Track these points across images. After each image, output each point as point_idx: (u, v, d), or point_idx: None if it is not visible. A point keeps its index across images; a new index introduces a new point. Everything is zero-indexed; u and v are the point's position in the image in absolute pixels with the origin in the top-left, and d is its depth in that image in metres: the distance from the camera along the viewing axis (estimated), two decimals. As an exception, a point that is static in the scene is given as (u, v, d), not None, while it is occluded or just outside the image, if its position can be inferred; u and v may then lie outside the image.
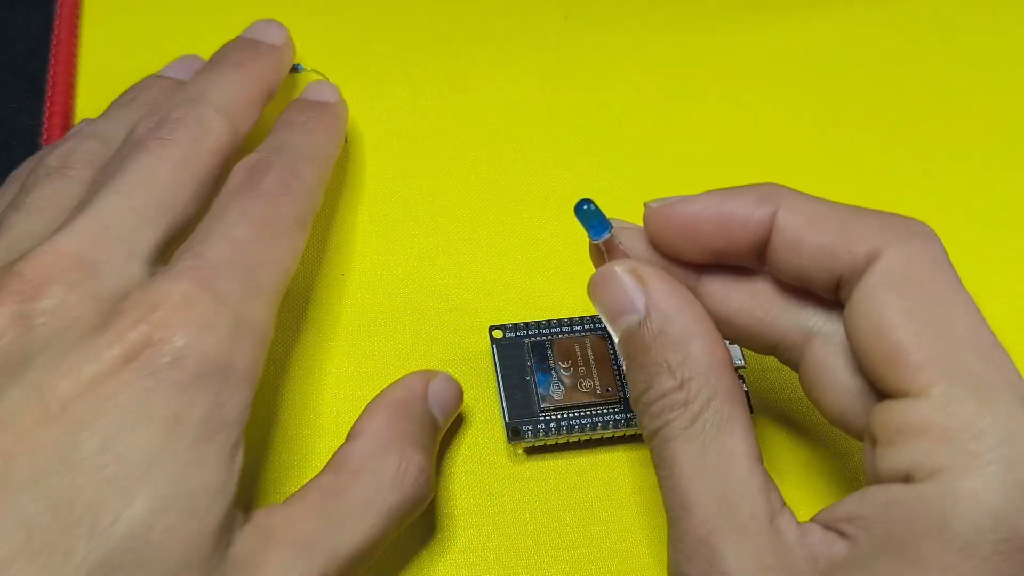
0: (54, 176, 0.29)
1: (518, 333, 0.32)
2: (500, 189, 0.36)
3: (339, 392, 0.32)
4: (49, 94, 0.36)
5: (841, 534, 0.23)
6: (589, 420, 0.30)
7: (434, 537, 0.30)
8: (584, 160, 0.37)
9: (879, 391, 0.24)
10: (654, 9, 0.41)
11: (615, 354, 0.31)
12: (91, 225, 0.26)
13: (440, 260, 0.35)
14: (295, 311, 0.33)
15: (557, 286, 0.34)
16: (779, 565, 0.23)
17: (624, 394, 0.31)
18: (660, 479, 0.25)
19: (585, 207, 0.27)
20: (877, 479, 0.23)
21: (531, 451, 0.31)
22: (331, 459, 0.27)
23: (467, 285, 0.34)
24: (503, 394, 0.31)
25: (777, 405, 0.33)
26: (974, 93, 0.40)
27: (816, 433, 0.32)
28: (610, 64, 0.39)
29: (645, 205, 0.27)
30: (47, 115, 0.36)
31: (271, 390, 0.32)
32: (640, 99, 0.39)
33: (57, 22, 0.38)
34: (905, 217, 0.25)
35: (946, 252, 0.24)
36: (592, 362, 0.31)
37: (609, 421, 0.30)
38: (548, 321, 0.32)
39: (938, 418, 0.22)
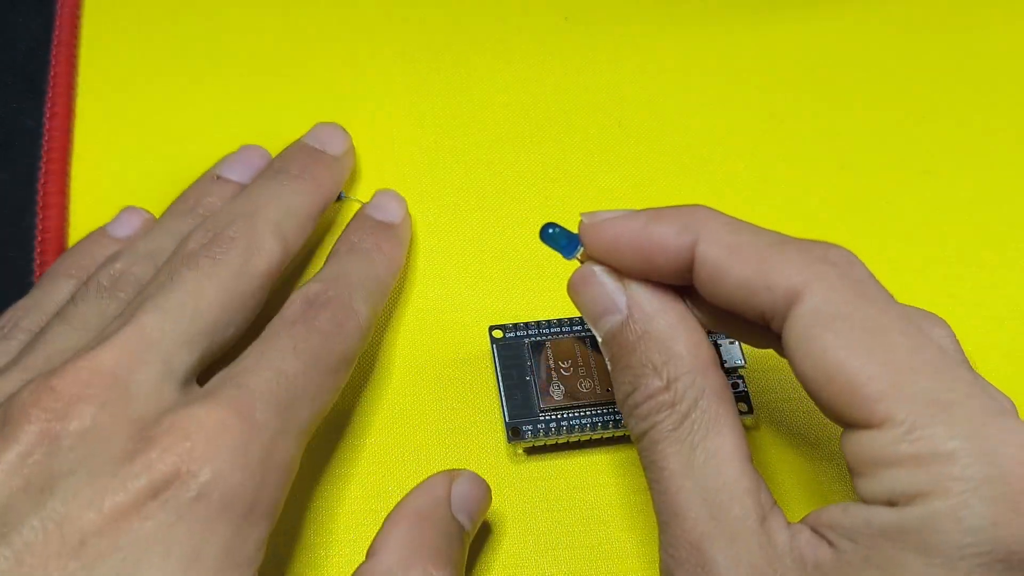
0: (104, 295, 0.29)
1: (518, 333, 0.32)
2: (500, 189, 0.36)
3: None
4: (49, 94, 0.36)
5: (828, 541, 0.23)
6: (589, 420, 0.30)
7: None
8: (584, 160, 0.37)
9: (844, 424, 0.23)
10: (654, 9, 0.41)
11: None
12: (130, 342, 0.25)
13: (441, 260, 0.35)
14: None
15: (558, 286, 0.34)
16: (769, 568, 0.23)
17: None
18: (649, 482, 0.25)
19: (550, 231, 0.27)
20: (862, 500, 0.23)
21: (531, 451, 0.31)
22: None
23: (468, 285, 0.34)
24: (503, 394, 0.31)
25: (777, 405, 0.33)
26: (974, 92, 0.40)
27: (816, 433, 0.32)
28: (610, 64, 0.39)
29: (580, 216, 0.27)
30: (47, 115, 0.36)
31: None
32: (640, 99, 0.39)
33: (57, 22, 0.38)
34: (823, 246, 0.24)
35: (868, 272, 0.24)
36: (592, 362, 0.31)
37: (609, 421, 0.30)
38: (548, 321, 0.32)
39: (906, 447, 0.22)
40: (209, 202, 0.32)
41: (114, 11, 0.39)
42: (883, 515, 0.22)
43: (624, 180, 0.37)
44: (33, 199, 0.34)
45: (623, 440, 0.31)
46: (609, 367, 0.26)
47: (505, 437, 0.31)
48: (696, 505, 0.23)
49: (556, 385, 0.31)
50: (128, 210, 0.33)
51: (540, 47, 0.40)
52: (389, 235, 0.33)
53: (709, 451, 0.24)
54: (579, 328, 0.32)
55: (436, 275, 0.34)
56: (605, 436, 0.31)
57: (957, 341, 0.26)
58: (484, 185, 0.36)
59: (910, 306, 0.25)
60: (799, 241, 0.25)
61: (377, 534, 0.27)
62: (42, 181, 0.34)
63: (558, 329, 0.32)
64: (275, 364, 0.26)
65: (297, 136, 0.37)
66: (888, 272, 0.35)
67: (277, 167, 0.32)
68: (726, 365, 0.31)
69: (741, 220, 0.26)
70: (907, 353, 0.23)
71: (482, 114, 0.38)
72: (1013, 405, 0.23)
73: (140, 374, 0.25)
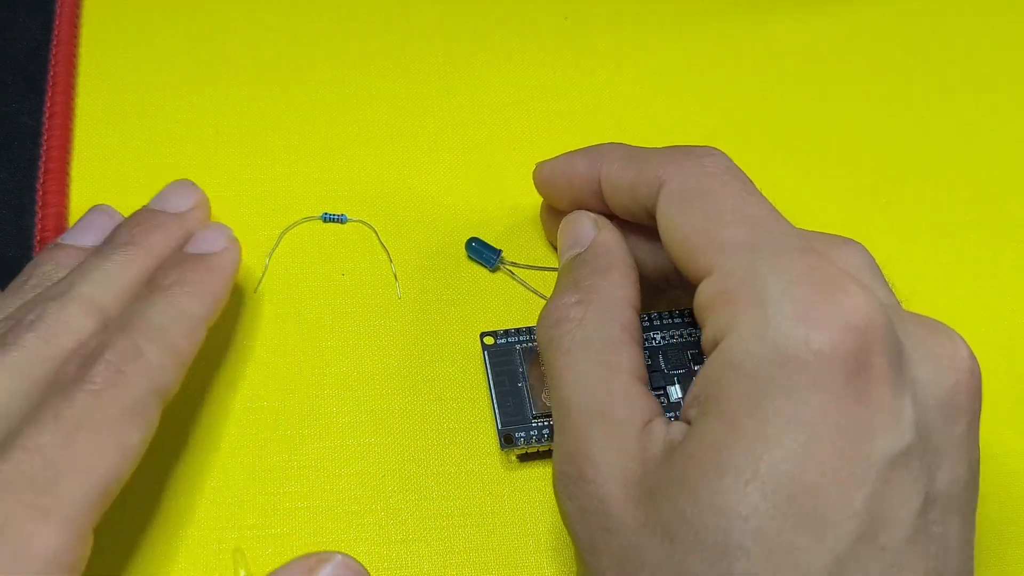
0: None
1: (509, 339, 0.32)
2: (500, 190, 0.36)
3: (325, 392, 0.32)
4: (49, 94, 0.36)
5: (687, 420, 0.25)
6: None
7: (432, 540, 0.30)
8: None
9: (694, 282, 0.26)
10: (654, 9, 0.41)
11: None
12: None
13: (437, 262, 0.35)
14: (296, 309, 0.33)
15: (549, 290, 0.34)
16: (640, 458, 0.24)
17: None
18: (549, 390, 0.27)
19: (473, 244, 0.33)
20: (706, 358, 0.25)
21: (524, 457, 0.31)
22: None
23: (460, 289, 0.34)
24: (495, 401, 0.31)
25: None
26: (974, 92, 0.40)
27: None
28: (610, 64, 0.39)
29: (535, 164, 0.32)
30: (47, 115, 0.36)
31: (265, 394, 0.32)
32: (640, 99, 0.39)
33: (57, 22, 0.38)
34: (692, 147, 0.29)
35: (727, 161, 0.28)
36: None
37: None
38: None
39: (721, 285, 0.25)
40: (44, 270, 0.29)
41: (114, 11, 0.39)
42: (712, 360, 0.24)
43: (624, 180, 0.37)
44: (33, 199, 0.34)
45: None
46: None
47: (498, 444, 0.30)
48: (588, 408, 0.25)
49: (548, 391, 0.30)
50: (94, 211, 0.32)
51: (540, 47, 0.40)
52: (200, 265, 0.29)
53: (606, 364, 0.26)
54: None
55: (430, 279, 0.34)
56: None
57: (863, 257, 0.28)
58: (484, 185, 0.36)
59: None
60: (675, 148, 0.29)
61: None
62: (41, 181, 0.34)
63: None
64: (28, 440, 0.24)
65: (298, 130, 0.37)
66: (888, 271, 0.35)
67: (108, 238, 0.30)
68: None
69: (640, 148, 0.30)
70: (732, 214, 0.26)
71: (482, 113, 0.38)
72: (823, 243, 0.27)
73: None
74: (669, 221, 0.27)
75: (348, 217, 0.35)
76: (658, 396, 0.30)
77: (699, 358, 0.31)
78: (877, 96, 0.40)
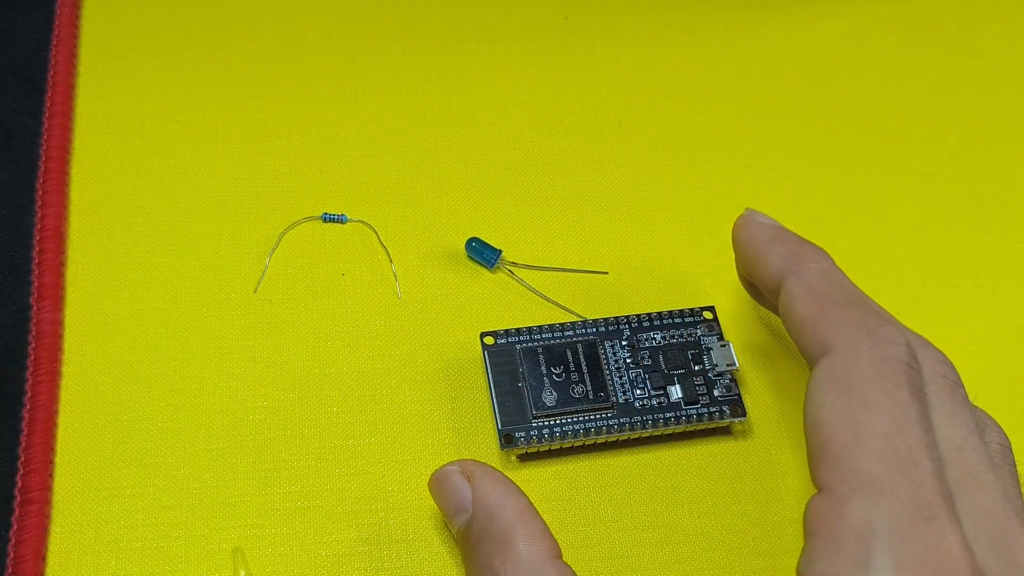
0: None
1: (510, 339, 0.32)
2: (499, 190, 0.36)
3: (325, 392, 0.32)
4: (49, 94, 0.36)
5: None
6: (582, 426, 0.30)
7: (432, 540, 0.30)
8: (584, 160, 0.37)
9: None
10: (654, 10, 0.41)
11: (607, 359, 0.31)
12: None
13: (435, 262, 0.35)
14: (296, 309, 0.33)
15: (551, 290, 0.34)
16: None
17: (617, 399, 0.31)
18: None
19: (473, 244, 0.32)
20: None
21: (524, 457, 0.31)
22: None
23: (460, 289, 0.34)
24: (495, 401, 0.31)
25: (773, 405, 0.33)
26: (974, 92, 0.40)
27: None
28: (610, 64, 0.39)
29: (746, 209, 0.30)
30: (47, 115, 0.36)
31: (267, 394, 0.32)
32: (640, 99, 0.39)
33: (57, 22, 0.38)
34: (878, 317, 0.25)
35: (903, 353, 0.24)
36: (584, 368, 0.31)
37: (603, 427, 0.30)
38: (540, 327, 0.32)
39: (832, 520, 0.23)
40: None
41: (114, 11, 0.39)
42: None
43: (624, 180, 0.37)
44: (32, 199, 0.34)
45: (616, 445, 0.31)
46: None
47: (498, 444, 0.31)
48: None
49: (548, 391, 0.30)
50: None
51: (540, 47, 0.40)
52: None
53: None
54: (570, 333, 0.32)
55: (430, 278, 0.34)
56: (599, 441, 0.31)
57: (946, 368, 0.26)
58: (484, 185, 0.36)
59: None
60: (862, 307, 0.26)
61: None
62: (41, 180, 0.34)
63: (550, 335, 0.32)
64: None
65: (298, 130, 0.37)
66: (888, 272, 0.35)
67: None
68: (717, 368, 0.31)
69: (844, 278, 0.27)
70: (878, 435, 0.23)
71: (482, 114, 0.38)
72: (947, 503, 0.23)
73: None
74: (815, 403, 0.24)
75: (348, 217, 0.35)
76: (658, 396, 0.30)
77: (699, 358, 0.31)
78: (877, 96, 0.40)
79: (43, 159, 0.35)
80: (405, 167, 0.36)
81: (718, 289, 0.34)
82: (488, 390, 0.31)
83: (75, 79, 0.37)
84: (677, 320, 0.32)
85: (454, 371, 0.32)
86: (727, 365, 0.31)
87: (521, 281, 0.34)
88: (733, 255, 0.30)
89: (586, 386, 0.31)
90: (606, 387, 0.31)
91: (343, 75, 0.38)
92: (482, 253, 0.34)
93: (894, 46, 0.41)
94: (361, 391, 0.32)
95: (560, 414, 0.30)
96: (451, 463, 0.27)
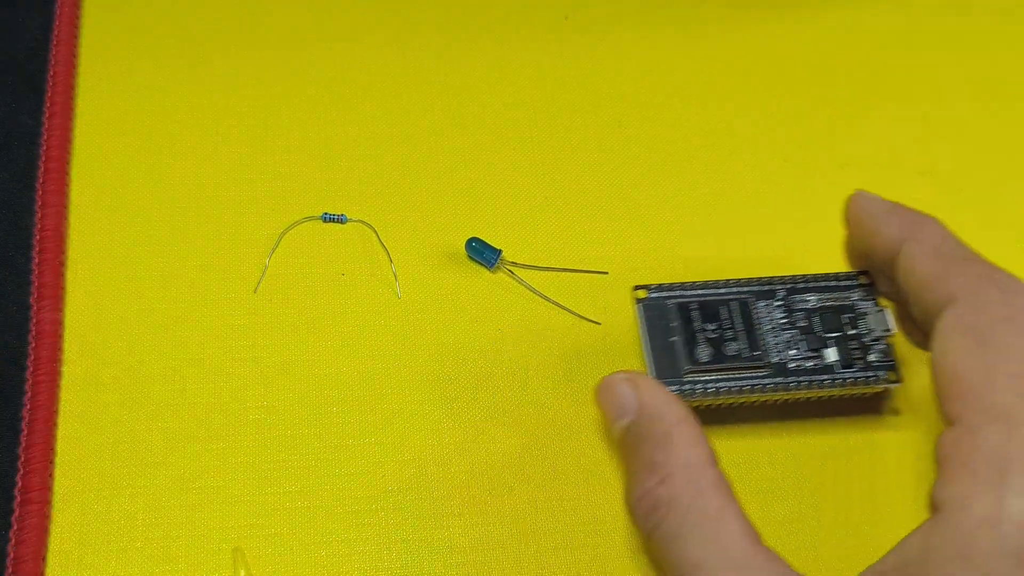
0: None
1: (661, 294, 0.31)
2: (499, 189, 0.36)
3: (325, 392, 0.32)
4: (49, 94, 0.36)
5: None
6: (736, 384, 0.30)
7: (433, 540, 0.30)
8: (584, 160, 0.37)
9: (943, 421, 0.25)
10: (654, 9, 0.41)
11: (761, 319, 0.31)
12: None
13: (435, 263, 0.35)
14: (296, 309, 0.33)
15: (549, 290, 0.34)
16: None
17: (771, 359, 0.30)
18: (668, 573, 0.25)
19: (473, 244, 0.33)
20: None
21: None
22: None
23: (460, 289, 0.34)
24: (650, 355, 0.30)
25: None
26: (974, 92, 0.40)
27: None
28: (610, 64, 0.39)
29: (856, 190, 0.30)
30: (47, 115, 0.36)
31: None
32: (640, 99, 0.39)
33: (57, 22, 0.38)
34: (1000, 271, 0.27)
35: None
36: (739, 325, 0.30)
37: (757, 386, 0.30)
38: (692, 283, 0.31)
39: (967, 448, 0.24)
40: None
41: (114, 11, 0.39)
42: (928, 528, 0.23)
43: (624, 180, 0.37)
44: (32, 199, 0.34)
45: (764, 412, 0.32)
46: (621, 467, 0.28)
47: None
48: None
49: (702, 347, 0.30)
50: None
51: (540, 47, 0.40)
52: None
53: (715, 538, 0.25)
54: (723, 291, 0.31)
55: (430, 278, 0.34)
56: (750, 401, 0.30)
57: None
58: (484, 185, 0.36)
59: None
60: (983, 262, 0.27)
61: None
62: (41, 181, 0.34)
63: (703, 291, 0.31)
64: None
65: (298, 130, 0.37)
66: (888, 272, 0.35)
67: None
68: (873, 333, 0.31)
69: (960, 241, 0.28)
70: (1009, 372, 0.24)
71: (482, 114, 0.38)
72: None
73: None
74: (944, 348, 0.25)
75: (348, 217, 0.35)
76: (813, 358, 0.30)
77: (855, 322, 0.31)
78: (877, 96, 0.39)
79: (43, 159, 0.35)
80: (405, 167, 0.36)
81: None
82: (641, 344, 0.30)
83: (75, 79, 0.37)
84: (832, 283, 0.31)
85: (453, 371, 0.32)
86: (883, 330, 0.30)
87: (521, 281, 0.34)
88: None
89: (740, 344, 0.30)
90: (761, 346, 0.30)
91: (343, 75, 0.38)
92: (482, 253, 0.34)
93: (894, 46, 0.41)
94: (361, 391, 0.32)
95: (714, 370, 0.30)
96: (619, 371, 0.28)
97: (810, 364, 0.30)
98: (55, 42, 0.37)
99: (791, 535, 0.30)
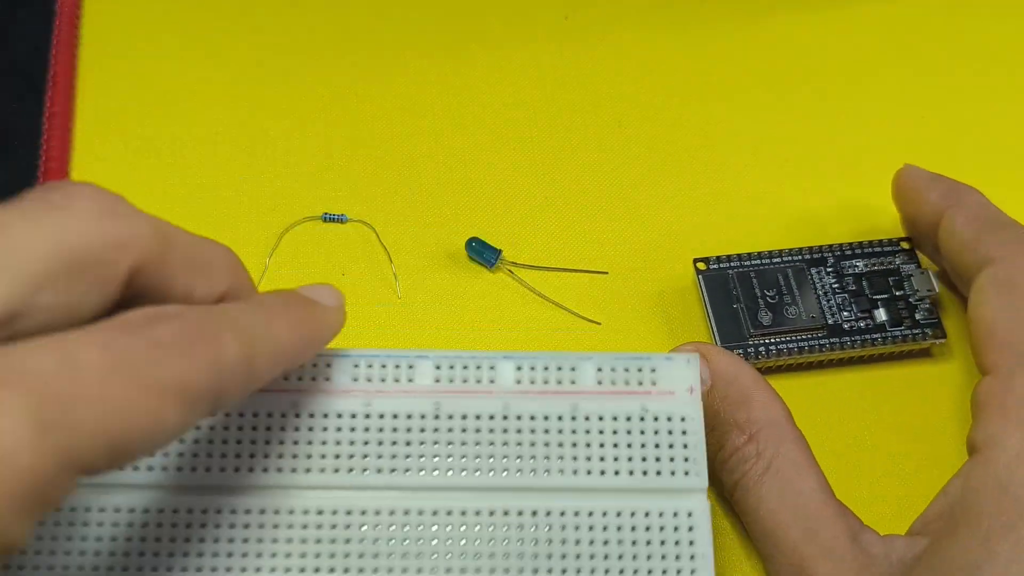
0: None
1: (721, 265, 0.33)
2: (499, 190, 0.36)
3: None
4: (49, 94, 0.36)
5: (926, 535, 0.26)
6: (796, 345, 0.32)
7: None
8: (584, 160, 0.37)
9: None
10: (654, 9, 0.41)
11: (815, 284, 0.33)
12: None
13: (435, 263, 0.35)
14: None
15: (549, 290, 0.34)
16: (861, 570, 0.26)
17: (827, 320, 0.32)
18: (747, 525, 0.28)
19: (473, 244, 0.34)
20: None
21: None
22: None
23: (459, 289, 0.34)
24: (713, 322, 0.32)
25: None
26: (974, 92, 0.40)
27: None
28: (610, 64, 0.39)
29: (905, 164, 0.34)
30: (47, 115, 0.36)
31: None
32: (640, 99, 0.39)
33: (57, 22, 0.38)
34: None
35: None
36: (796, 291, 0.33)
37: (815, 346, 0.32)
38: (748, 254, 0.33)
39: (1001, 392, 0.26)
40: None
41: (114, 11, 0.39)
42: (966, 470, 0.26)
43: (624, 180, 0.37)
44: (33, 199, 0.34)
45: (822, 366, 0.33)
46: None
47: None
48: (793, 533, 0.27)
49: (764, 312, 0.32)
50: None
51: (540, 47, 0.40)
52: (307, 307, 0.25)
53: (795, 490, 0.27)
54: (778, 260, 0.33)
55: (430, 279, 0.34)
56: (810, 360, 0.32)
57: None
58: (484, 184, 0.36)
59: None
60: (1019, 227, 0.30)
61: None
62: (41, 181, 0.34)
63: (758, 261, 0.33)
64: (69, 349, 0.19)
65: (298, 130, 0.37)
66: (888, 272, 0.35)
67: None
68: (918, 293, 0.33)
69: (998, 209, 0.31)
70: None
71: (482, 114, 0.38)
72: None
73: None
74: (980, 303, 0.28)
75: (348, 217, 0.35)
76: (864, 319, 0.32)
77: (900, 284, 0.33)
78: (877, 96, 0.40)
79: (43, 159, 0.35)
80: (405, 167, 0.36)
81: (718, 289, 0.34)
82: (704, 313, 0.33)
83: (75, 79, 0.37)
84: (877, 249, 0.34)
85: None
86: (927, 290, 0.33)
87: (521, 281, 0.34)
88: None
89: (799, 308, 0.32)
90: (818, 309, 0.32)
91: (342, 75, 0.38)
92: (482, 253, 0.34)
93: (893, 46, 0.41)
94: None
95: (775, 333, 0.32)
96: (686, 344, 0.30)
97: (862, 324, 0.32)
98: (55, 42, 0.37)
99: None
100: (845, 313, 0.33)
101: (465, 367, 0.26)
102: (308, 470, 0.24)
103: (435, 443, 0.25)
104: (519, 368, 0.26)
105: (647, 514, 0.25)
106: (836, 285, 0.33)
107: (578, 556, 0.24)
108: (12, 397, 0.17)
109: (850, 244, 0.34)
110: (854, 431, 0.32)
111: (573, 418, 0.26)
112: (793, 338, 0.32)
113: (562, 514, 0.25)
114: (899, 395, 0.33)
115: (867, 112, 0.39)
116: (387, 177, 0.36)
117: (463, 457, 0.25)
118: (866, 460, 0.32)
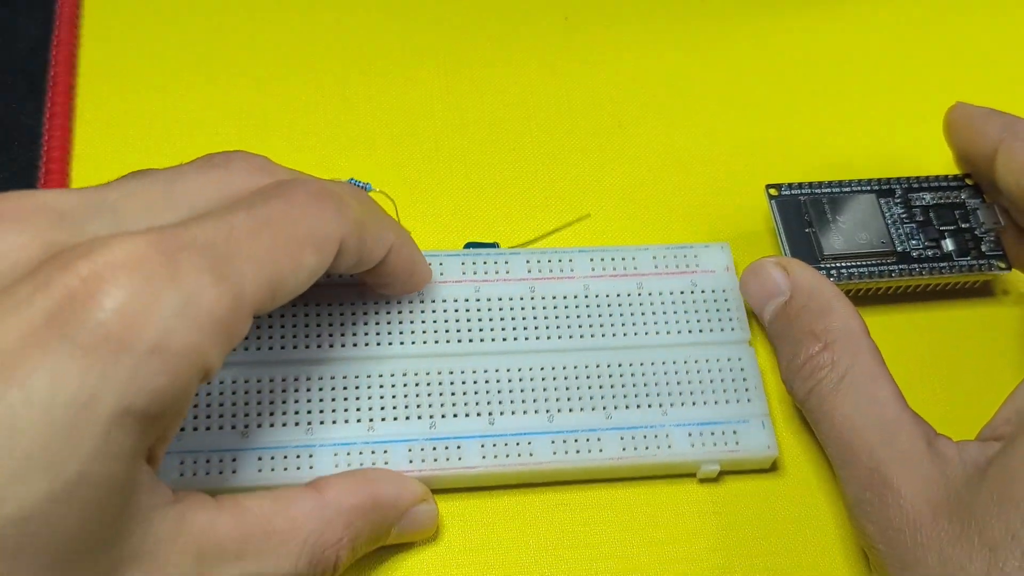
0: None
1: (792, 191, 0.34)
2: (499, 189, 0.36)
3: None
4: (49, 94, 0.36)
5: (997, 438, 0.27)
6: (867, 270, 0.33)
7: (432, 538, 0.30)
8: (584, 160, 0.37)
9: None
10: (654, 10, 0.41)
11: (884, 213, 0.34)
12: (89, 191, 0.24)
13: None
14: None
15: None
16: (940, 477, 0.26)
17: (896, 248, 0.33)
18: (820, 433, 0.29)
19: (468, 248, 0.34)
20: None
21: None
22: (281, 488, 0.26)
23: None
24: (785, 244, 0.33)
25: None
26: (974, 92, 0.40)
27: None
28: (610, 64, 0.39)
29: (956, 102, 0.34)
30: (47, 115, 0.36)
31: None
32: (640, 99, 0.39)
33: (57, 22, 0.38)
34: None
35: None
36: (868, 218, 0.33)
37: (885, 272, 0.33)
38: (819, 183, 0.34)
39: None
40: None
41: (114, 11, 0.39)
42: (1021, 391, 0.27)
43: (624, 180, 0.37)
44: (33, 199, 0.34)
45: (889, 299, 0.34)
46: (773, 344, 0.31)
47: None
48: (869, 438, 0.27)
49: (836, 236, 0.33)
50: None
51: (540, 47, 0.40)
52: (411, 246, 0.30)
53: (871, 398, 0.28)
54: (848, 190, 0.34)
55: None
56: (879, 287, 0.33)
57: None
58: (484, 185, 0.36)
59: None
60: None
61: (332, 476, 0.27)
62: (42, 181, 0.34)
63: (828, 189, 0.34)
64: (222, 215, 0.23)
65: (299, 131, 0.37)
66: (888, 272, 0.35)
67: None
68: (985, 226, 0.34)
69: None
70: None
71: (482, 114, 0.38)
72: None
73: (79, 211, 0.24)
74: None
75: (372, 186, 0.35)
76: (932, 248, 0.33)
77: (966, 217, 0.34)
78: (877, 96, 0.40)
79: (43, 159, 0.35)
80: (405, 167, 0.36)
81: (718, 289, 0.34)
82: (776, 237, 0.33)
83: (75, 79, 0.37)
84: (943, 184, 0.35)
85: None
86: (993, 223, 0.34)
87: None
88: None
89: (870, 234, 0.33)
90: (887, 237, 0.33)
91: (344, 76, 0.38)
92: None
93: (894, 46, 0.41)
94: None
95: (847, 257, 0.33)
96: (765, 258, 0.31)
97: (930, 253, 0.33)
98: (55, 42, 0.37)
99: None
100: (913, 241, 0.33)
101: (549, 260, 0.32)
102: (436, 341, 0.31)
103: (534, 318, 0.31)
104: (592, 259, 0.33)
105: (707, 360, 0.31)
106: (904, 215, 0.34)
107: (658, 394, 0.31)
108: (192, 258, 0.22)
109: (916, 178, 0.35)
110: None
111: (639, 294, 0.32)
112: (864, 263, 0.33)
113: (641, 364, 0.31)
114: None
115: (867, 112, 0.39)
116: (387, 177, 0.36)
117: (557, 327, 0.31)
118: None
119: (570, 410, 0.30)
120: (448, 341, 0.31)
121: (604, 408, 0.30)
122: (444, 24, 0.40)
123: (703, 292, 0.33)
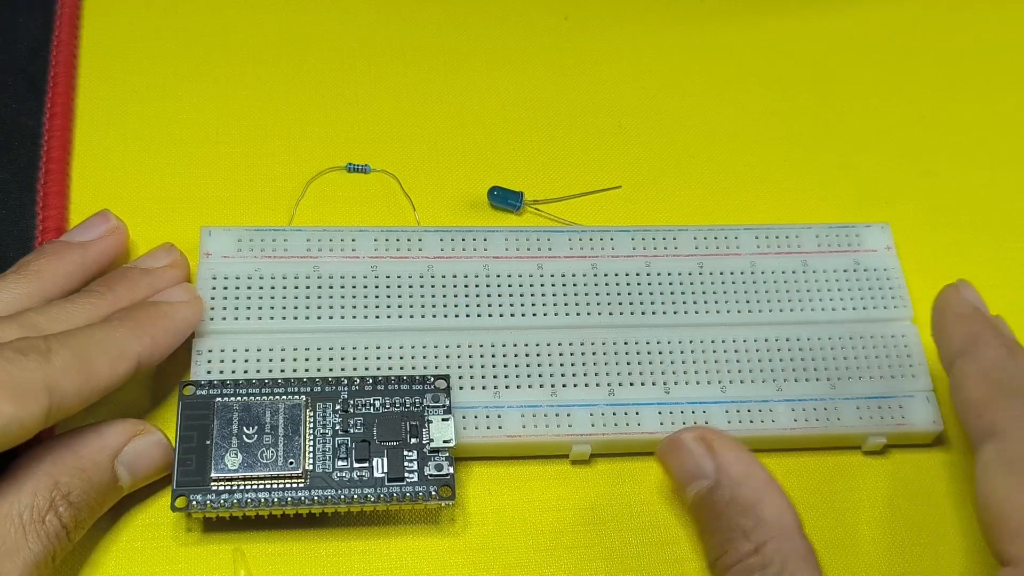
0: None
1: (211, 391, 0.29)
2: (498, 184, 0.36)
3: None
4: (49, 94, 0.36)
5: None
6: (266, 495, 0.28)
7: (429, 536, 0.30)
8: (584, 160, 0.37)
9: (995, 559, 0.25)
10: (653, 9, 0.41)
11: (311, 424, 0.29)
12: None
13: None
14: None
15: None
16: None
17: (307, 467, 0.28)
18: None
19: (495, 192, 0.35)
20: None
21: (208, 523, 0.29)
22: None
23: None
24: (176, 459, 0.28)
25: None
26: (974, 92, 0.40)
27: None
28: (610, 64, 0.39)
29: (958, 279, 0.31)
30: (47, 115, 0.36)
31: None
32: (640, 99, 0.39)
33: (57, 22, 0.38)
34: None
35: None
36: (281, 431, 0.29)
37: (288, 498, 0.28)
38: (263, 380, 0.29)
39: None
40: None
41: (114, 11, 0.39)
42: None
43: (624, 180, 0.37)
44: (33, 199, 0.34)
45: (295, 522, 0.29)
46: (697, 529, 0.28)
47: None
48: None
49: (233, 452, 0.28)
50: (99, 216, 0.32)
51: (540, 47, 0.40)
52: (151, 309, 0.29)
53: None
54: (282, 391, 0.29)
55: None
56: (274, 513, 0.28)
57: None
58: (484, 185, 0.36)
59: None
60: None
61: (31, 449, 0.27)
62: (42, 181, 0.34)
63: (270, 390, 0.29)
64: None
65: (299, 131, 0.37)
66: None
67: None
68: (432, 444, 0.29)
69: (1017, 370, 0.27)
70: None
71: (482, 114, 0.38)
72: None
73: None
74: (988, 486, 0.26)
75: (371, 168, 0.36)
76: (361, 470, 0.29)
77: (417, 430, 0.29)
78: (877, 96, 0.40)
79: (43, 159, 0.35)
80: (405, 167, 0.36)
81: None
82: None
83: (75, 79, 0.37)
84: (403, 387, 0.30)
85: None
86: (444, 441, 0.29)
87: (550, 215, 0.35)
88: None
89: (277, 452, 0.28)
90: (297, 456, 0.28)
91: (344, 76, 0.38)
92: (506, 199, 0.35)
93: (894, 46, 0.41)
94: None
95: (242, 480, 0.28)
96: (684, 430, 0.28)
97: (355, 476, 0.28)
98: (55, 42, 0.37)
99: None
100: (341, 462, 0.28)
101: (716, 237, 0.34)
102: (578, 314, 0.32)
103: (703, 292, 0.33)
104: (756, 237, 0.34)
105: (871, 336, 0.33)
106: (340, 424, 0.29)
107: (825, 368, 0.32)
108: None
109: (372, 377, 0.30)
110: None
111: (804, 271, 0.33)
112: (263, 486, 0.28)
113: (808, 339, 0.33)
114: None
115: (867, 112, 0.39)
116: (386, 178, 0.36)
117: (726, 302, 0.33)
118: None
119: (741, 381, 0.31)
120: (622, 313, 0.32)
121: (774, 380, 0.32)
122: (443, 24, 0.40)
123: (865, 271, 0.34)
